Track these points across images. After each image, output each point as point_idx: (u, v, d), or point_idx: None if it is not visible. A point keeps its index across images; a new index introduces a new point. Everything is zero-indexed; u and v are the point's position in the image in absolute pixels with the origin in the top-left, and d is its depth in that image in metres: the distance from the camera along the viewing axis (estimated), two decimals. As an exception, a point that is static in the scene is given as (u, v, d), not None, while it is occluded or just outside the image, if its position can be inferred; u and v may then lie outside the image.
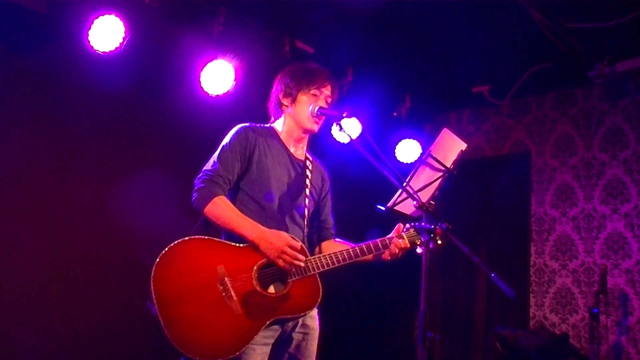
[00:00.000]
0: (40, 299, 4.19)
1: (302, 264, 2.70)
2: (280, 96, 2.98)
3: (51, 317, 4.22)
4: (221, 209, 2.71)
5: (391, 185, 2.86)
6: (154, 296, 2.54)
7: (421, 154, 6.01)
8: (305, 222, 2.93)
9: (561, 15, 4.44)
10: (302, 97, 2.93)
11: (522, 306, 5.85)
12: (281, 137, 2.98)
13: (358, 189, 5.38)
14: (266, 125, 3.03)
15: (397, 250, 2.88)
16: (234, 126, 2.94)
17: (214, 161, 2.81)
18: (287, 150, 2.97)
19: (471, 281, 6.18)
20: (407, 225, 2.96)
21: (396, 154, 6.17)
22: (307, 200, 2.94)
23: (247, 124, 2.94)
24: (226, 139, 2.88)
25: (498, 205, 6.16)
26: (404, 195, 2.87)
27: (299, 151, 3.03)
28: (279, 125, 3.01)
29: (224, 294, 2.60)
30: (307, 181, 2.97)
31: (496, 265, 5.94)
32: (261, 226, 2.71)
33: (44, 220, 4.25)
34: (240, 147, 2.83)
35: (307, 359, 2.83)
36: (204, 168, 2.82)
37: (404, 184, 2.82)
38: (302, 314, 2.75)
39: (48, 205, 4.28)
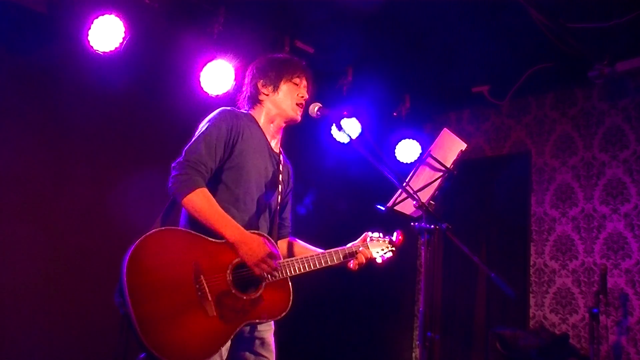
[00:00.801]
0: (39, 299, 4.18)
1: (278, 275, 2.64)
2: (260, 85, 2.92)
3: (50, 316, 4.22)
4: (203, 202, 2.58)
5: (391, 185, 2.86)
6: (127, 291, 2.42)
7: (421, 154, 6.02)
8: (274, 219, 2.89)
9: (561, 15, 4.44)
10: (284, 86, 2.90)
11: (522, 306, 5.84)
12: (261, 126, 2.91)
13: (358, 189, 5.37)
14: (244, 111, 2.96)
15: (364, 260, 2.91)
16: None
17: (198, 145, 2.68)
18: (267, 140, 2.90)
19: (471, 281, 6.17)
20: (370, 235, 2.99)
21: (396, 154, 6.17)
22: (278, 197, 2.90)
23: (228, 108, 2.86)
24: (211, 121, 2.76)
25: (498, 205, 6.15)
26: (404, 195, 2.88)
27: (276, 143, 2.97)
28: (256, 114, 2.94)
29: (199, 293, 2.50)
30: (280, 176, 2.92)
31: (496, 265, 5.94)
32: (242, 229, 2.61)
33: (43, 220, 4.25)
34: (226, 133, 2.73)
35: (271, 353, 2.82)
36: (186, 150, 2.69)
37: (404, 184, 2.82)
38: (272, 319, 2.72)
39: (47, 205, 4.28)
